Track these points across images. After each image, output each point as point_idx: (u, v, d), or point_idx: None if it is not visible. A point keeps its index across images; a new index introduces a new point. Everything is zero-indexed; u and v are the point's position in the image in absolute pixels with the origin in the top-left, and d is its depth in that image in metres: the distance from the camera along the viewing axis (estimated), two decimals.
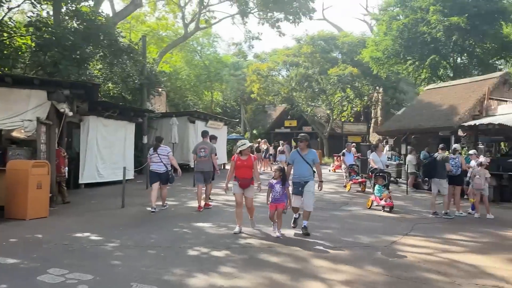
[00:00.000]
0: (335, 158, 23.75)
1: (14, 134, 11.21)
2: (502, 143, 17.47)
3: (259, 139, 25.79)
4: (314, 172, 7.28)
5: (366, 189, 13.40)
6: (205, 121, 20.79)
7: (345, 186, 14.47)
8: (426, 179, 14.54)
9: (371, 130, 31.67)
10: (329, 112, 31.13)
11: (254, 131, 36.17)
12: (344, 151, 15.42)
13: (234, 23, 30.46)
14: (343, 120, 32.20)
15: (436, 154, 9.65)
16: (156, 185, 9.31)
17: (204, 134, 9.92)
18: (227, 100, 41.96)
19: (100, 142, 13.73)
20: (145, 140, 17.98)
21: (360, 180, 13.84)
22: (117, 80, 17.38)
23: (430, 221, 8.93)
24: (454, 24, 18.47)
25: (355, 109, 32.16)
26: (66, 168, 10.57)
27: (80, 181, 13.06)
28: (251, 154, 7.39)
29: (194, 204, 10.02)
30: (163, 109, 25.88)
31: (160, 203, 9.52)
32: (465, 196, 10.60)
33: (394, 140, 22.37)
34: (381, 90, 30.11)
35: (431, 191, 13.85)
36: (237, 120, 35.69)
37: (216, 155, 9.52)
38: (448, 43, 20.32)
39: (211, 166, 9.48)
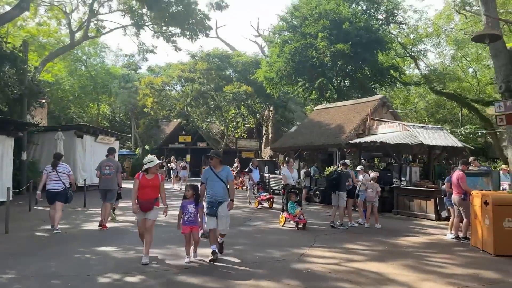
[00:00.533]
0: None
1: None
2: (375, 159, 19.52)
3: (149, 155, 24.89)
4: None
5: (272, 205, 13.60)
6: (94, 136, 19.57)
7: (250, 203, 14.62)
8: (318, 192, 15.69)
9: (263, 146, 32.97)
10: (224, 128, 31.56)
11: (146, 147, 34.86)
12: (250, 167, 15.10)
13: (126, 34, 29.14)
14: (237, 136, 32.91)
15: (339, 170, 10.46)
16: (53, 205, 8.52)
17: (111, 151, 9.34)
18: (116, 114, 39.87)
19: None
20: (24, 156, 16.20)
21: (268, 196, 13.88)
22: None
23: (328, 232, 9.52)
24: (339, 51, 20.29)
25: (247, 125, 33.12)
26: None
27: None
28: (158, 173, 6.65)
29: (90, 226, 9.34)
30: (45, 122, 23.66)
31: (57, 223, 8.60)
32: (353, 208, 11.57)
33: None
34: (272, 108, 31.59)
35: (322, 203, 14.95)
36: (130, 135, 34.10)
37: (122, 173, 9.01)
38: (334, 67, 22.24)
39: (116, 184, 8.97)
